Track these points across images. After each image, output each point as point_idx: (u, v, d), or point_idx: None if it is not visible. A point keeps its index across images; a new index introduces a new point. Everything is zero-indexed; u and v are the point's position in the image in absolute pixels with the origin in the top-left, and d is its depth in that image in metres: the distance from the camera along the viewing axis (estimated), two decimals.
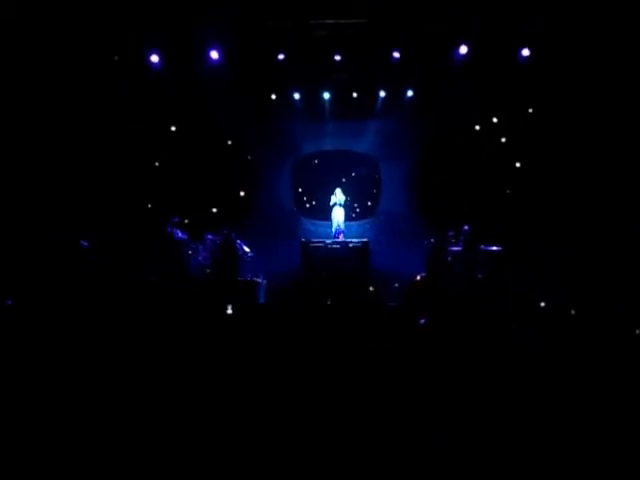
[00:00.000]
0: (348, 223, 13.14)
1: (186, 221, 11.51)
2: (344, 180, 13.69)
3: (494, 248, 10.93)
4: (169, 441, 4.27)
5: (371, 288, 11.03)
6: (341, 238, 12.70)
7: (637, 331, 6.03)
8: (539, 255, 10.16)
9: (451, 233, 11.46)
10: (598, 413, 4.36)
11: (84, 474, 3.86)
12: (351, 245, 12.36)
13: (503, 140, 12.63)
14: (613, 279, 8.53)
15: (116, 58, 11.49)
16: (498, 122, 12.54)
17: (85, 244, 9.86)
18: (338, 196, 12.95)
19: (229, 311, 8.84)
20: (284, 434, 4.40)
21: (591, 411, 4.38)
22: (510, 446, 4.06)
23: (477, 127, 12.71)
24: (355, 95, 12.97)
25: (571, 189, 11.11)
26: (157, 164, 12.68)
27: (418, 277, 11.07)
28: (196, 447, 4.23)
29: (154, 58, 11.64)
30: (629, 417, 4.30)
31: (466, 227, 11.41)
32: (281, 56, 11.84)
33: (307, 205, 14.18)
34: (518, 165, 12.22)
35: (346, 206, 13.07)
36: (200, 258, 11.18)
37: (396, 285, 11.25)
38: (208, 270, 11.09)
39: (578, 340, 5.87)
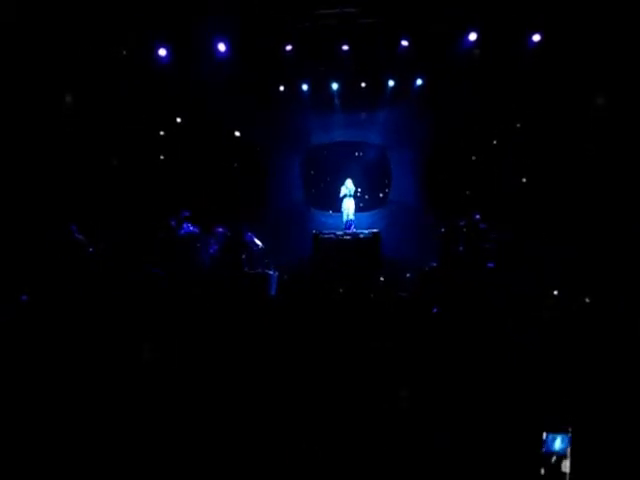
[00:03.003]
0: (359, 214, 13.11)
1: (198, 214, 11.58)
2: (354, 171, 13.63)
3: (505, 237, 10.87)
4: (177, 437, 4.30)
5: (382, 278, 11.01)
6: (352, 229, 12.68)
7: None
8: (547, 245, 10.10)
9: (462, 222, 11.41)
10: (601, 411, 4.33)
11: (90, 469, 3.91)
12: (362, 236, 12.34)
13: (514, 128, 12.50)
14: (614, 277, 8.45)
15: (124, 52, 11.51)
16: (508, 110, 12.39)
17: (76, 230, 9.88)
18: (348, 187, 12.90)
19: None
20: (292, 427, 4.42)
21: (595, 410, 4.35)
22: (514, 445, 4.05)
23: (487, 115, 12.56)
24: (364, 85, 12.89)
25: (584, 179, 10.99)
26: (168, 159, 12.70)
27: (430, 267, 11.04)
28: (204, 442, 4.26)
29: (162, 52, 11.65)
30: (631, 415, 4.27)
31: (477, 216, 11.36)
32: (288, 47, 11.80)
33: (317, 197, 14.16)
34: (528, 155, 12.10)
35: (356, 197, 13.03)
36: (211, 251, 11.23)
37: (408, 275, 11.21)
38: (220, 263, 11.14)
39: (582, 335, 5.84)
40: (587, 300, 7.53)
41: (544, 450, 3.72)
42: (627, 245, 9.34)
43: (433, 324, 6.80)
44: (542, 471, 3.74)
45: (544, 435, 3.77)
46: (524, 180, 12.07)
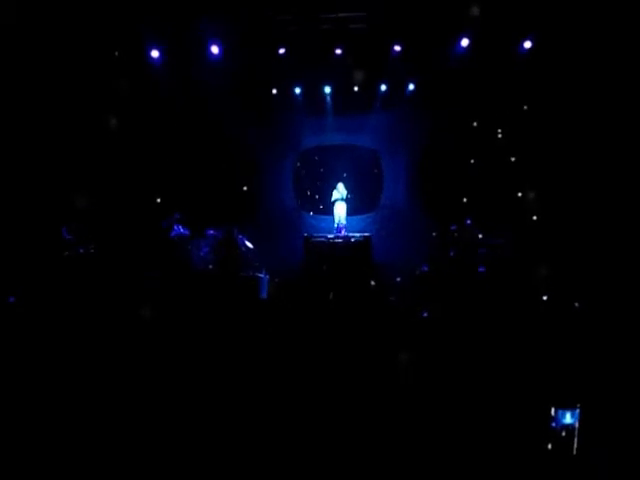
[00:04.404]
0: (350, 218, 13.11)
1: (189, 216, 11.56)
2: (346, 175, 13.64)
3: (496, 242, 10.93)
4: (170, 437, 4.27)
5: (372, 282, 11.02)
6: (343, 233, 12.69)
7: None
8: (541, 248, 10.15)
9: (454, 227, 11.46)
10: (610, 388, 4.34)
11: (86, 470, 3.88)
12: (353, 240, 12.35)
13: (504, 133, 12.57)
14: (614, 276, 8.51)
15: (116, 54, 11.48)
16: (500, 115, 12.47)
17: (66, 231, 9.86)
18: (340, 191, 12.92)
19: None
20: (285, 432, 4.40)
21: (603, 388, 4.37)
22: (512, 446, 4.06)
23: (479, 120, 12.63)
24: (356, 89, 12.90)
25: (574, 184, 11.05)
26: (158, 161, 12.65)
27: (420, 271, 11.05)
28: (196, 444, 4.23)
29: (154, 53, 11.63)
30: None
31: (469, 221, 11.42)
32: (282, 50, 11.81)
33: (309, 200, 14.15)
34: (519, 158, 12.17)
35: (348, 201, 13.04)
36: (202, 253, 11.19)
37: (398, 279, 11.24)
38: (210, 265, 11.10)
39: (581, 336, 5.87)
40: (587, 300, 7.56)
41: (553, 425, 3.74)
42: (624, 253, 9.39)
43: (423, 327, 6.82)
44: (549, 446, 3.77)
45: (552, 410, 3.79)
46: (516, 183, 12.11)
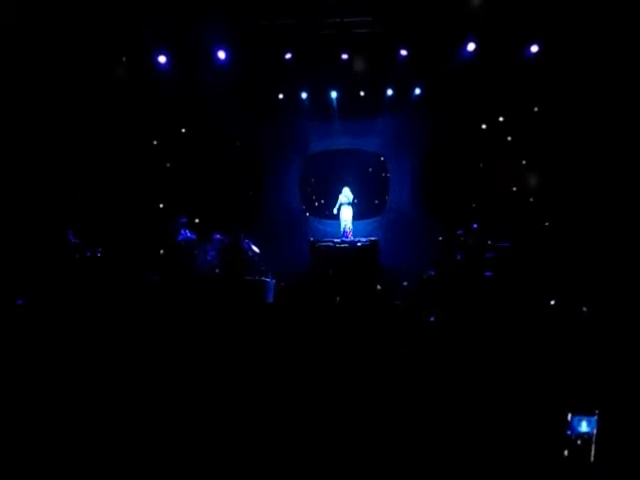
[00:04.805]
0: (356, 222, 13.10)
1: (196, 220, 11.60)
2: (352, 179, 13.63)
3: (503, 246, 10.88)
4: (175, 441, 4.26)
5: (379, 287, 10.99)
6: (349, 237, 12.67)
7: None
8: (548, 252, 10.10)
9: (460, 232, 11.42)
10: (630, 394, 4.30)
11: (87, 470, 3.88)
12: (359, 244, 12.34)
13: (511, 138, 12.54)
14: (621, 278, 8.45)
15: (124, 59, 11.55)
16: (506, 119, 12.44)
17: (72, 236, 9.91)
18: (346, 195, 12.92)
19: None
20: (290, 436, 4.39)
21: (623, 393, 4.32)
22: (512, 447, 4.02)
23: (486, 123, 12.61)
24: (363, 94, 12.92)
25: (579, 187, 11.00)
26: (165, 165, 12.70)
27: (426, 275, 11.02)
28: (199, 448, 4.22)
29: (162, 59, 11.69)
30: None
31: (475, 225, 11.38)
32: (288, 55, 11.85)
33: (315, 204, 14.14)
34: (526, 163, 12.14)
35: (354, 205, 13.03)
36: (209, 257, 11.21)
37: (405, 284, 11.21)
38: (217, 269, 11.11)
39: (587, 339, 5.83)
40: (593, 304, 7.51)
41: (569, 432, 3.67)
42: (634, 257, 9.32)
43: (430, 332, 6.79)
44: (565, 453, 3.70)
45: (569, 417, 3.71)
46: (523, 187, 12.08)
